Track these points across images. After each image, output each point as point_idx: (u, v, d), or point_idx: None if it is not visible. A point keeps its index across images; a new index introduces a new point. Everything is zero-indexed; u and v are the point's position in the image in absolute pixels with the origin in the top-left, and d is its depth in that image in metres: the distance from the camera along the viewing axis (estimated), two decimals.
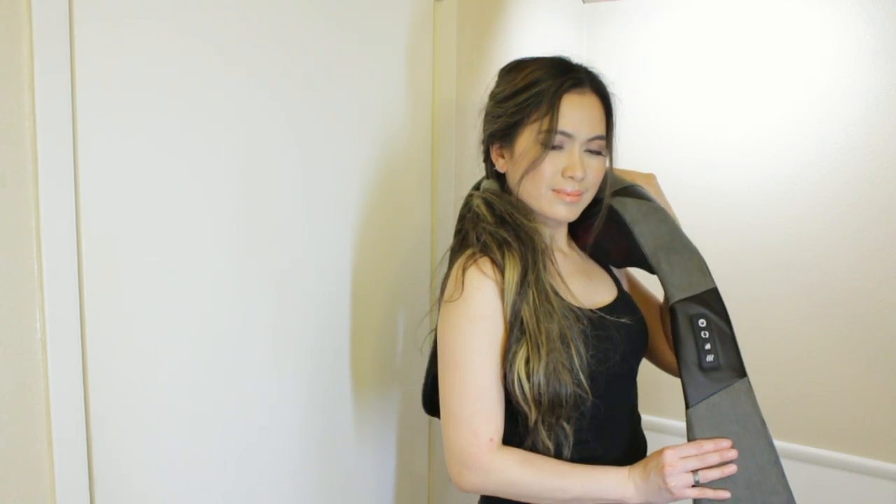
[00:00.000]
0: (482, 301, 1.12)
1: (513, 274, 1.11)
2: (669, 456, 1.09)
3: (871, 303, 1.92)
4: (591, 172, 1.17)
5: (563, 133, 1.14)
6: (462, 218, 1.26)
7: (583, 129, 1.15)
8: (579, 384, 1.11)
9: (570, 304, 1.17)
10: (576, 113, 1.14)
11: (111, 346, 1.14)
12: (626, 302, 1.28)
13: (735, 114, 2.07)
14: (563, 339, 1.11)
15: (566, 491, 1.11)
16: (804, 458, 2.02)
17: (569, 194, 1.16)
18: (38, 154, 1.02)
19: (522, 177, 1.17)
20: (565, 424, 1.13)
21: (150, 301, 1.18)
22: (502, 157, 1.23)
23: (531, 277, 1.12)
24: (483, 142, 1.26)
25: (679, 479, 1.08)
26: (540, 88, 1.14)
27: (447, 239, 1.76)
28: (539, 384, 1.09)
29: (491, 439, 1.12)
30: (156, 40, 1.15)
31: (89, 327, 1.10)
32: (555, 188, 1.16)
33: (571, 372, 1.10)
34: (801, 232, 2.00)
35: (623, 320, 1.19)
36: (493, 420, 1.12)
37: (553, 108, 1.13)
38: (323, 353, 1.49)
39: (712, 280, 1.19)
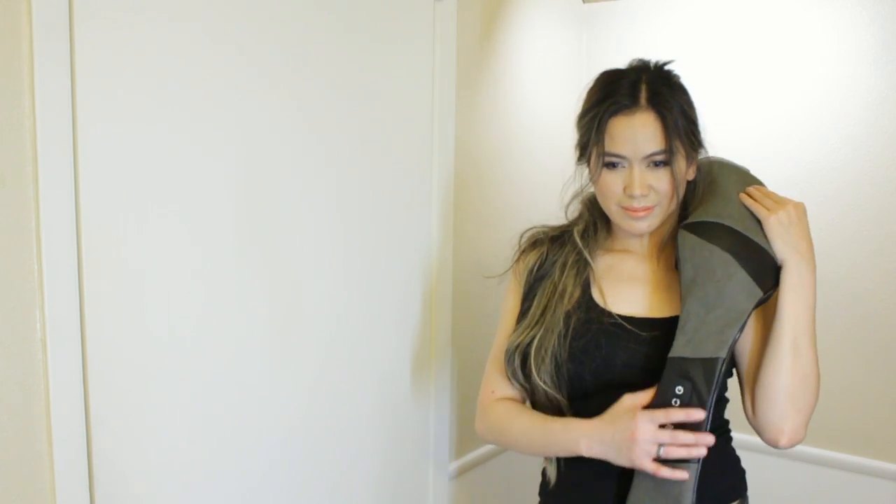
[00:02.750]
0: (511, 282, 1.33)
1: (525, 266, 1.29)
2: (644, 423, 1.06)
3: (871, 303, 1.92)
4: (659, 184, 1.15)
5: (614, 155, 1.16)
6: None
7: (636, 149, 1.14)
8: (547, 375, 1.19)
9: (590, 302, 1.21)
10: (626, 134, 1.15)
11: (111, 346, 1.14)
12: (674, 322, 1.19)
13: (735, 114, 2.07)
14: (558, 332, 1.19)
15: (532, 440, 1.21)
16: (804, 458, 2.02)
17: (637, 210, 1.16)
18: (38, 154, 1.02)
19: (597, 193, 1.22)
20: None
21: (150, 301, 1.18)
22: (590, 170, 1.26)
23: (546, 272, 1.26)
24: (577, 156, 1.28)
25: (645, 449, 1.05)
26: (592, 114, 1.18)
27: (446, 238, 1.76)
28: (514, 359, 1.22)
29: (493, 391, 1.29)
30: (158, 40, 1.15)
31: (89, 327, 1.10)
32: (622, 206, 1.17)
33: (544, 362, 1.18)
34: None
35: (643, 333, 1.17)
36: (503, 379, 1.27)
37: (600, 135, 1.16)
38: (325, 354, 1.49)
39: (724, 350, 1.09)
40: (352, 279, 1.53)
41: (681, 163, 1.17)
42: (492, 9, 1.89)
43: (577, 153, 1.25)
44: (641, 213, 1.17)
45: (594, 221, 1.28)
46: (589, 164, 1.23)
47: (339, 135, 1.47)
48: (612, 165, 1.17)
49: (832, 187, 1.95)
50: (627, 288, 1.24)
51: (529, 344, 1.20)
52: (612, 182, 1.17)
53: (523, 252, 1.32)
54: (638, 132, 1.15)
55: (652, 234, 1.25)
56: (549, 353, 1.18)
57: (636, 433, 1.06)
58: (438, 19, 1.67)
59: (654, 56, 1.22)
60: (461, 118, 1.79)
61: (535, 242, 1.31)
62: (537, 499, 1.33)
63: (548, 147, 2.12)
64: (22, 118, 1.01)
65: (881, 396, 1.94)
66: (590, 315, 1.20)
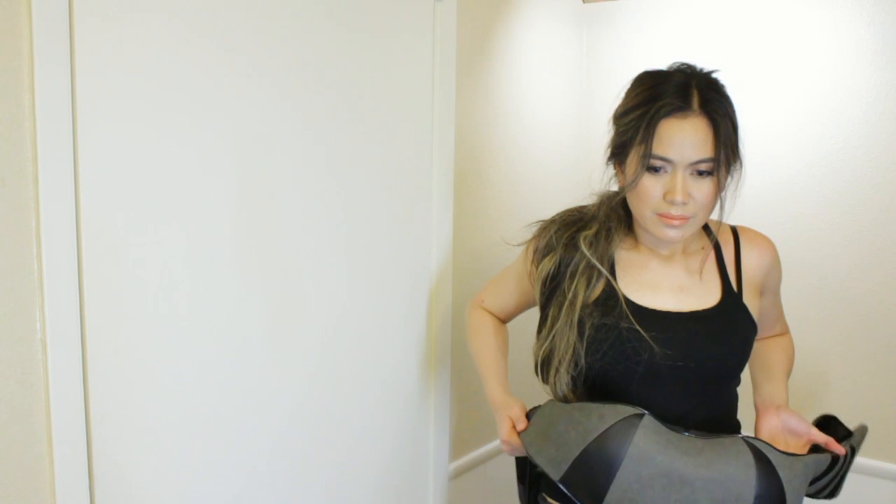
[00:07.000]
0: (519, 266, 1.39)
1: (540, 275, 1.29)
2: (503, 434, 1.26)
3: (872, 303, 1.92)
4: (700, 195, 1.13)
5: (660, 158, 1.12)
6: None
7: (684, 154, 1.11)
8: (563, 380, 1.22)
9: (608, 302, 1.21)
10: (675, 137, 1.11)
11: (111, 346, 1.14)
12: (695, 317, 1.22)
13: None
14: (578, 325, 1.20)
15: (476, 366, 1.43)
16: None
17: (673, 218, 1.14)
18: (38, 154, 1.02)
19: (630, 197, 1.19)
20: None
21: (150, 301, 1.18)
22: (621, 172, 1.22)
23: (559, 282, 1.25)
24: (608, 154, 1.24)
25: (506, 444, 1.27)
26: (641, 111, 1.14)
27: (446, 238, 1.76)
28: (540, 363, 1.28)
29: (483, 301, 1.49)
30: (158, 41, 1.15)
31: (89, 327, 1.10)
32: (659, 212, 1.14)
33: (558, 370, 1.22)
34: (802, 232, 2.00)
35: (672, 330, 1.18)
36: (492, 298, 1.48)
37: (649, 134, 1.12)
38: (325, 353, 1.49)
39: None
40: (351, 279, 1.53)
41: (723, 174, 1.14)
42: (492, 9, 1.89)
43: (610, 152, 1.21)
44: (677, 222, 1.14)
45: (609, 226, 1.24)
46: (622, 165, 1.18)
47: (339, 134, 1.47)
48: (654, 170, 1.13)
49: (833, 188, 1.95)
50: (647, 289, 1.23)
51: (551, 353, 1.23)
52: (652, 187, 1.14)
53: (536, 252, 1.29)
54: (688, 137, 1.11)
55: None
56: (566, 360, 1.21)
57: (500, 432, 1.28)
58: (438, 19, 1.67)
59: (699, 62, 1.20)
60: (461, 118, 1.79)
61: (547, 247, 1.27)
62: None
63: (547, 147, 2.12)
64: (22, 118, 1.01)
65: (882, 397, 1.94)
66: (604, 321, 1.19)
